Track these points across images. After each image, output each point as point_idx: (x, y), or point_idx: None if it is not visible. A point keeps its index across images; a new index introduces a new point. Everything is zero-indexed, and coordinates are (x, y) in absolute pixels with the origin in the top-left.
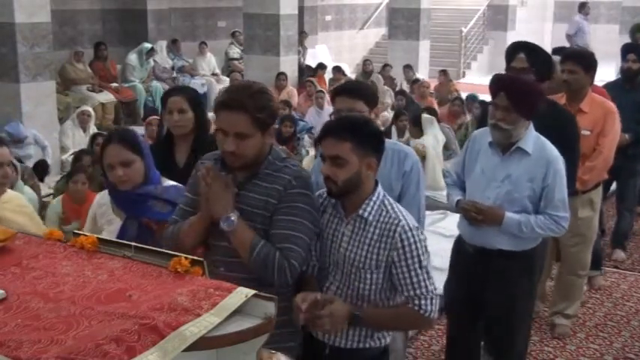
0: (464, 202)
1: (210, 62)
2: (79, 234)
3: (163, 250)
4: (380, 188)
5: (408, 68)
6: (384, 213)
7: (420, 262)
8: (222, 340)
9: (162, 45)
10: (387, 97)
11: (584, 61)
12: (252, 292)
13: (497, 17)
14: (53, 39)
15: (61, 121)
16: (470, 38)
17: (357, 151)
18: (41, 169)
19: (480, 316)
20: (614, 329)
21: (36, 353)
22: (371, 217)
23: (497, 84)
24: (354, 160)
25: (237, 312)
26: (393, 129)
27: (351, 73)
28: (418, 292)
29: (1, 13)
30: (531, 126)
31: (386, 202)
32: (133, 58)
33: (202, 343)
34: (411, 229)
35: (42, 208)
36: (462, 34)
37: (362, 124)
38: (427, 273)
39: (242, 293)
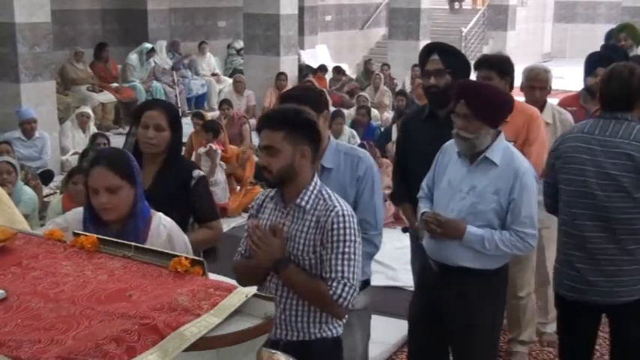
0: (427, 214)
1: (210, 62)
2: (79, 234)
3: (163, 250)
4: (317, 179)
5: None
6: (321, 201)
7: (343, 247)
8: (222, 340)
9: (162, 45)
10: (386, 98)
11: (498, 66)
12: (252, 292)
13: (497, 17)
14: (53, 39)
15: (61, 121)
16: (470, 38)
17: (290, 139)
18: (46, 177)
19: (444, 339)
20: None
21: (36, 353)
22: (308, 206)
23: (458, 91)
24: (288, 149)
25: (237, 312)
26: (394, 129)
27: (351, 73)
28: (334, 275)
29: (1, 13)
30: (502, 135)
31: (323, 191)
32: (133, 58)
33: (202, 343)
34: (344, 215)
35: (42, 208)
36: (462, 34)
37: (293, 114)
38: (349, 260)
39: (242, 293)
